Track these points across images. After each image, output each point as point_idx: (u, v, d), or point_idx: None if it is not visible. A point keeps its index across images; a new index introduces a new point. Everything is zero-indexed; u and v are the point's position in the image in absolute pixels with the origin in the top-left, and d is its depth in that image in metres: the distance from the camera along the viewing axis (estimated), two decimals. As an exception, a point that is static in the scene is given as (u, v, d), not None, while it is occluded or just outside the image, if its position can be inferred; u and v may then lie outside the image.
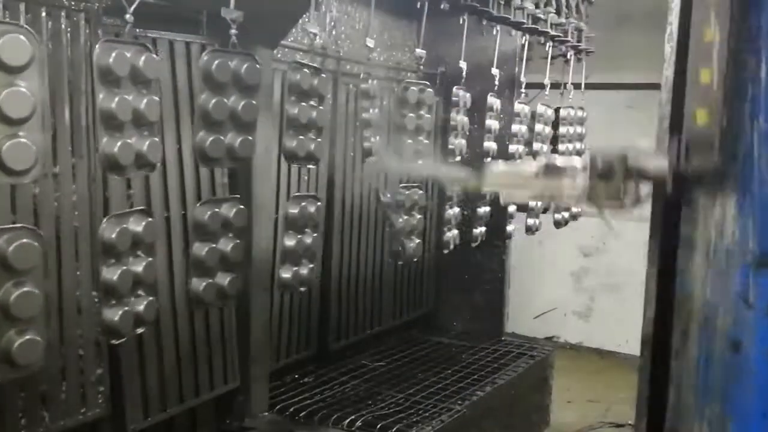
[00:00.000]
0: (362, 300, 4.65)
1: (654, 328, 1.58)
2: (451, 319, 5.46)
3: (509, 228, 5.19)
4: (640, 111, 7.06)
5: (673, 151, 1.52)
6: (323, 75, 3.35)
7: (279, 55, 3.64)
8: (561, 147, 5.39)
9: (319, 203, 3.62)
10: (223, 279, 3.10)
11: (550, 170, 3.02)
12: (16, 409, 2.61)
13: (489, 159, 4.57)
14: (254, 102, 2.90)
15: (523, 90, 4.83)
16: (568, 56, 5.22)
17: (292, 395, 3.98)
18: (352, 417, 3.73)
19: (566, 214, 5.60)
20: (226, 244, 3.07)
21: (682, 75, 1.52)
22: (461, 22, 4.01)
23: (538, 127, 5.12)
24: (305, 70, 3.26)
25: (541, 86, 5.08)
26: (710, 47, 1.39)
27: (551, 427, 5.33)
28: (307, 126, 3.31)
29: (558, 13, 4.70)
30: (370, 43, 3.65)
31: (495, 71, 4.41)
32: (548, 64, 5.01)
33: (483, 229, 4.93)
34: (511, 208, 5.14)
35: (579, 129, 5.55)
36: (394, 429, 3.66)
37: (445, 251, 4.69)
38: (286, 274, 3.48)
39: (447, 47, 4.29)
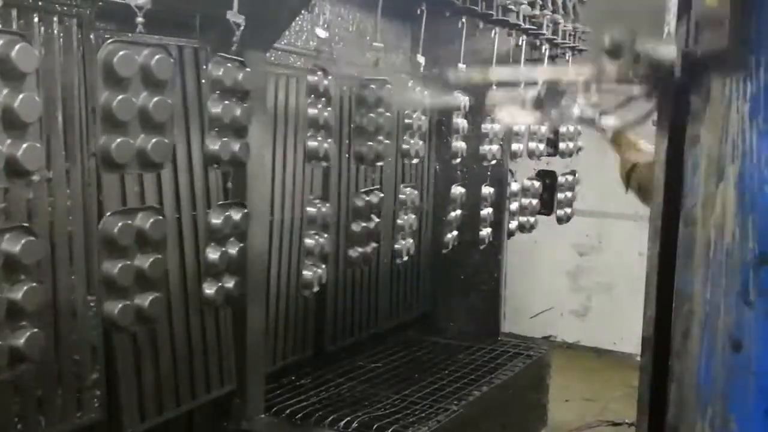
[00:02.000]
0: (359, 301, 4.65)
1: (654, 327, 1.57)
2: (447, 319, 5.45)
3: (483, 233, 4.99)
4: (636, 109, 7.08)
5: (682, 33, 1.47)
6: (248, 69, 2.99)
7: (272, 58, 3.63)
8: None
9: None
10: (143, 299, 2.67)
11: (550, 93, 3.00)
12: (12, 414, 2.60)
13: (458, 160, 4.43)
14: (168, 100, 2.54)
15: (493, 87, 4.59)
16: (543, 50, 4.93)
17: (288, 397, 3.97)
18: (349, 418, 3.72)
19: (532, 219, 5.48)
20: (143, 261, 2.64)
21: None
22: (419, 13, 3.79)
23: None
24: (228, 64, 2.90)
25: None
26: None
27: (549, 426, 5.34)
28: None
29: (531, 5, 4.41)
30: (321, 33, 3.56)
31: (462, 67, 4.20)
32: (522, 59, 4.73)
33: (455, 233, 4.74)
34: (485, 212, 4.95)
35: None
36: (391, 430, 3.65)
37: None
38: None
39: (442, 49, 4.22)
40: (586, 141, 5.58)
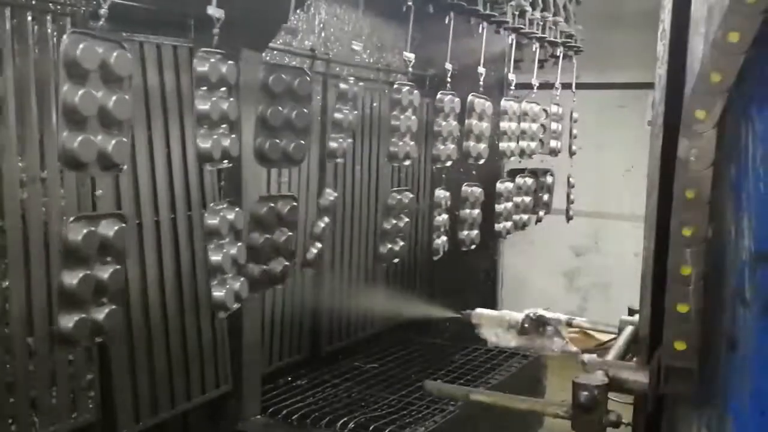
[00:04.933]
0: (355, 302, 4.64)
1: (650, 326, 1.57)
2: (444, 320, 5.44)
3: (437, 242, 4.43)
4: (632, 110, 7.08)
5: (653, 375, 1.53)
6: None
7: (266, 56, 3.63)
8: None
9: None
10: None
11: (534, 324, 3.10)
12: (6, 415, 2.59)
13: (407, 161, 4.18)
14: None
15: (448, 81, 4.45)
16: (534, 50, 4.66)
17: (285, 398, 3.97)
18: (345, 419, 3.71)
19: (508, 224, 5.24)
20: None
21: (674, 74, 1.52)
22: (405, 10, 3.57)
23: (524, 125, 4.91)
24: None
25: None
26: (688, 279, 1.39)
27: (545, 427, 5.32)
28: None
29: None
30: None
31: (450, 64, 3.92)
32: (511, 55, 4.55)
33: (401, 243, 4.08)
34: (439, 219, 4.41)
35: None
36: (387, 430, 3.65)
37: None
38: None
39: (438, 49, 4.18)
40: (584, 142, 5.57)
